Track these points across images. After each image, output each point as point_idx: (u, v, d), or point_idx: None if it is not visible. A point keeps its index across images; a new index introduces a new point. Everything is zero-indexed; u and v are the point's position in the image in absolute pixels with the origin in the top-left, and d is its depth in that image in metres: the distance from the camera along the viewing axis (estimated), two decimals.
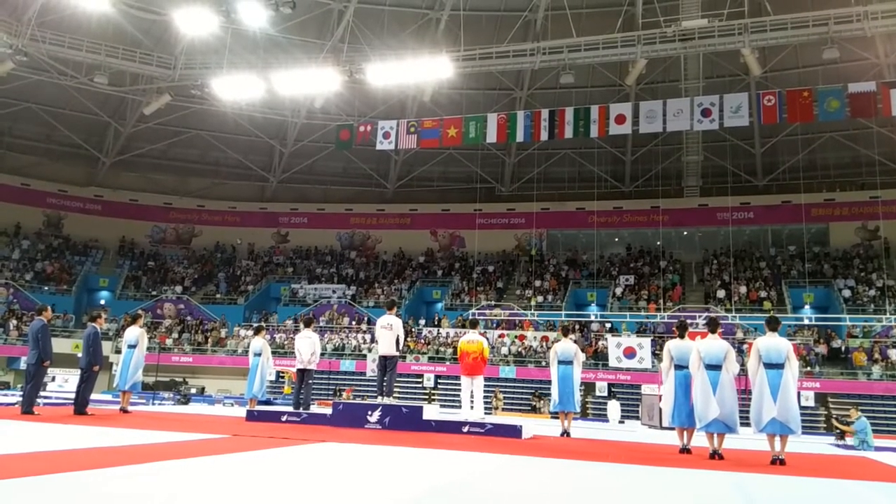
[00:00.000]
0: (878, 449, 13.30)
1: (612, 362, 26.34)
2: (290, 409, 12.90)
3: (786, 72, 31.08)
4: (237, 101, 31.45)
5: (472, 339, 12.09)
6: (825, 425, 25.06)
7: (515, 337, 30.13)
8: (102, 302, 36.21)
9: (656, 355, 26.88)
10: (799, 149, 32.85)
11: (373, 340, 28.63)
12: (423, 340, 30.94)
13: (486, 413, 13.12)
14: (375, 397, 12.29)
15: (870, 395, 25.37)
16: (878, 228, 32.25)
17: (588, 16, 30.04)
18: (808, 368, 26.16)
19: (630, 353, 25.74)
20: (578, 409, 12.50)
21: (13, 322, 31.47)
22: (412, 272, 37.33)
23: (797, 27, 24.22)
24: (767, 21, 24.58)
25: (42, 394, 14.76)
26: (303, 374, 13.24)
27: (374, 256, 39.51)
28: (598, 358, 28.55)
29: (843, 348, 27.45)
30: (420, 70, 26.52)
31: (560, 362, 11.66)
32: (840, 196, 34.18)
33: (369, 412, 11.25)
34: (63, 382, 21.23)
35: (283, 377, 28.45)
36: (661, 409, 13.40)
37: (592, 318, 31.71)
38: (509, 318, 31.74)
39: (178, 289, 36.49)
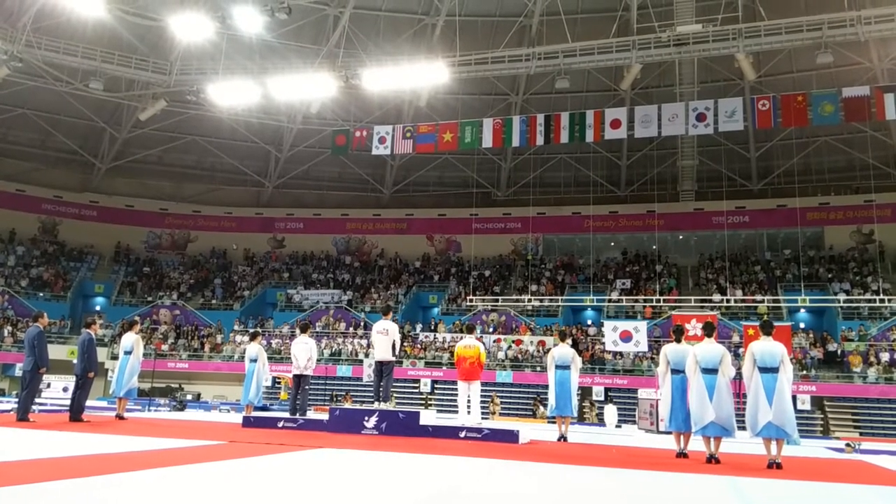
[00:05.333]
0: (874, 452, 13.32)
1: (609, 346, 26.41)
2: (287, 415, 12.88)
3: (780, 76, 31.22)
4: (233, 107, 31.43)
5: (468, 344, 12.10)
6: (821, 429, 25.13)
7: (512, 342, 30.13)
8: (98, 308, 36.12)
9: (653, 360, 26.95)
10: (794, 153, 32.99)
11: (369, 346, 28.60)
12: (419, 345, 30.92)
13: (482, 418, 13.11)
14: (372, 403, 12.28)
15: (865, 398, 25.47)
16: (873, 232, 32.35)
17: (583, 21, 30.16)
18: (804, 372, 26.21)
19: (626, 336, 25.75)
20: (575, 414, 12.51)
21: (8, 329, 31.36)
22: (408, 277, 37.33)
23: (791, 32, 24.32)
24: (762, 26, 24.67)
25: (38, 401, 14.70)
26: (299, 379, 13.22)
27: (370, 261, 39.50)
28: (595, 363, 28.58)
29: (838, 351, 27.53)
30: (416, 75, 26.55)
31: (557, 367, 11.67)
32: (835, 200, 34.28)
33: (366, 418, 11.24)
34: (62, 391, 21.10)
35: (279, 383, 28.40)
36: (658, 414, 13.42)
37: (587, 302, 31.70)
38: (506, 322, 31.80)
39: (174, 295, 36.41)
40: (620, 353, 28.78)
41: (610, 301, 32.26)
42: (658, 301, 29.83)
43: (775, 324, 10.54)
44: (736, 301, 29.87)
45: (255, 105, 30.94)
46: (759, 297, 30.66)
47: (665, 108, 23.69)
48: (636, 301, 31.77)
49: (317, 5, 30.53)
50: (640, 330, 25.83)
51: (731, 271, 32.78)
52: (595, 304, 31.59)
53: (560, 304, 31.98)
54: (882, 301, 26.74)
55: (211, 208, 40.68)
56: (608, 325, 26.73)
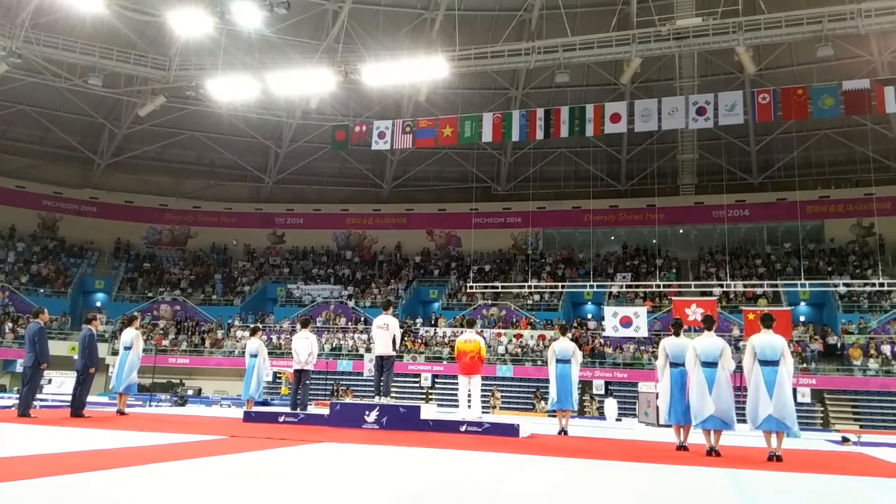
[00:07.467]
0: (874, 444, 13.35)
1: (609, 331, 26.50)
2: (288, 409, 12.90)
3: (780, 69, 31.16)
4: (232, 102, 31.37)
5: (468, 339, 12.12)
6: (821, 422, 25.18)
7: (513, 336, 30.15)
8: (98, 304, 36.15)
9: (653, 353, 26.97)
10: (794, 146, 32.92)
11: (370, 341, 28.63)
12: (420, 340, 30.95)
13: (483, 412, 13.13)
14: (373, 397, 12.30)
15: (866, 390, 25.51)
16: (873, 225, 32.36)
17: (583, 15, 30.07)
18: (804, 365, 26.24)
19: (626, 321, 25.80)
20: (576, 408, 12.54)
21: (9, 325, 31.38)
22: (409, 272, 37.34)
23: (791, 25, 24.26)
24: (762, 19, 24.61)
25: (39, 396, 14.73)
26: (300, 374, 13.24)
27: (370, 257, 39.51)
28: (595, 356, 28.61)
29: (838, 344, 27.56)
30: (415, 70, 26.49)
31: (558, 361, 11.69)
32: (835, 193, 34.29)
33: (367, 412, 11.26)
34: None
35: (280, 378, 28.43)
36: (658, 407, 13.44)
37: (587, 293, 31.78)
38: (507, 317, 31.83)
39: (175, 290, 36.42)
40: (621, 347, 28.82)
41: (610, 295, 32.27)
42: (658, 286, 29.84)
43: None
44: (736, 289, 29.87)
45: (255, 100, 30.89)
46: (759, 283, 30.65)
47: (665, 102, 23.65)
48: (636, 292, 31.77)
49: (316, 0, 30.45)
50: (640, 315, 25.89)
51: (732, 265, 32.79)
52: (595, 290, 31.62)
53: (562, 290, 32.00)
54: (882, 285, 26.73)
55: (211, 204, 40.68)
56: (608, 311, 26.81)
